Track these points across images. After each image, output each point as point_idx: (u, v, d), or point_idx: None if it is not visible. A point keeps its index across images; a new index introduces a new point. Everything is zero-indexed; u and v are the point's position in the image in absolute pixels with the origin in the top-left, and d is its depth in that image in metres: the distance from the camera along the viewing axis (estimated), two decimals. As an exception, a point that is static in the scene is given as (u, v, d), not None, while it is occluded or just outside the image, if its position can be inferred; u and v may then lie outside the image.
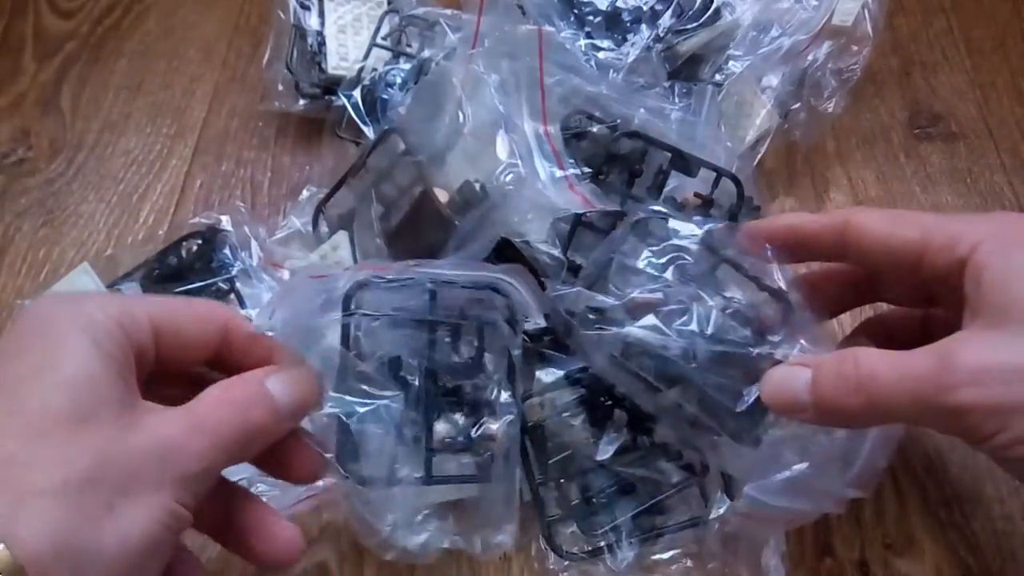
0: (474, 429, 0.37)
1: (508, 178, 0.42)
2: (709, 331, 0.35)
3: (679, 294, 0.36)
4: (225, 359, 0.34)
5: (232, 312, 0.35)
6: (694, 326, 0.35)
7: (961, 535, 0.44)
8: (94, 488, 0.25)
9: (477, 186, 0.41)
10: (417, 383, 0.36)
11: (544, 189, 0.42)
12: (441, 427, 0.37)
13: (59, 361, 0.27)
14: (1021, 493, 0.46)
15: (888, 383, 0.30)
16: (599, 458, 0.42)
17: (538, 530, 0.43)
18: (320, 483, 0.43)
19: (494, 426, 0.37)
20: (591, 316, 0.37)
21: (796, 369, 0.33)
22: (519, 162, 0.43)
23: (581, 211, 0.42)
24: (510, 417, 0.37)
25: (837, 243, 0.34)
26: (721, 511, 0.41)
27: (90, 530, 0.25)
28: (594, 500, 0.43)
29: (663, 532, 0.42)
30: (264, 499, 0.35)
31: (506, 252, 0.44)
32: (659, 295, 0.36)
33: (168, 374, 0.32)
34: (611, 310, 0.36)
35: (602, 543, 0.42)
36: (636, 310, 0.36)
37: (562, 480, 0.43)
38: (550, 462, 0.43)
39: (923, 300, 0.38)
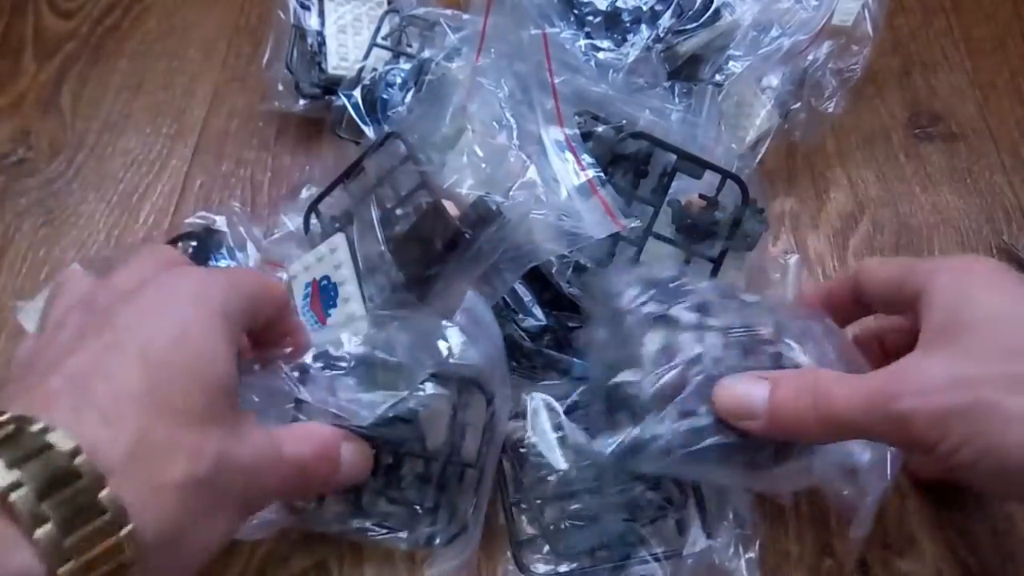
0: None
1: (523, 196, 0.41)
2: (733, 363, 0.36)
3: (690, 351, 0.37)
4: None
5: (287, 296, 0.38)
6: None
7: (961, 535, 0.44)
8: (205, 490, 0.27)
9: (493, 205, 0.41)
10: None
11: (567, 200, 0.42)
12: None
13: (207, 359, 0.29)
14: (1021, 493, 0.46)
15: (841, 397, 0.33)
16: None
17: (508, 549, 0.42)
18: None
19: None
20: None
21: (754, 381, 0.35)
22: (536, 179, 0.42)
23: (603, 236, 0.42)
24: None
25: (854, 289, 0.40)
26: (696, 545, 0.41)
27: (191, 529, 0.27)
28: (569, 524, 0.42)
29: (636, 561, 0.41)
30: None
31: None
32: (674, 371, 0.36)
33: None
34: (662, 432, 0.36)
35: (574, 567, 0.41)
36: (667, 393, 0.36)
37: (539, 501, 0.42)
38: (531, 486, 0.42)
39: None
